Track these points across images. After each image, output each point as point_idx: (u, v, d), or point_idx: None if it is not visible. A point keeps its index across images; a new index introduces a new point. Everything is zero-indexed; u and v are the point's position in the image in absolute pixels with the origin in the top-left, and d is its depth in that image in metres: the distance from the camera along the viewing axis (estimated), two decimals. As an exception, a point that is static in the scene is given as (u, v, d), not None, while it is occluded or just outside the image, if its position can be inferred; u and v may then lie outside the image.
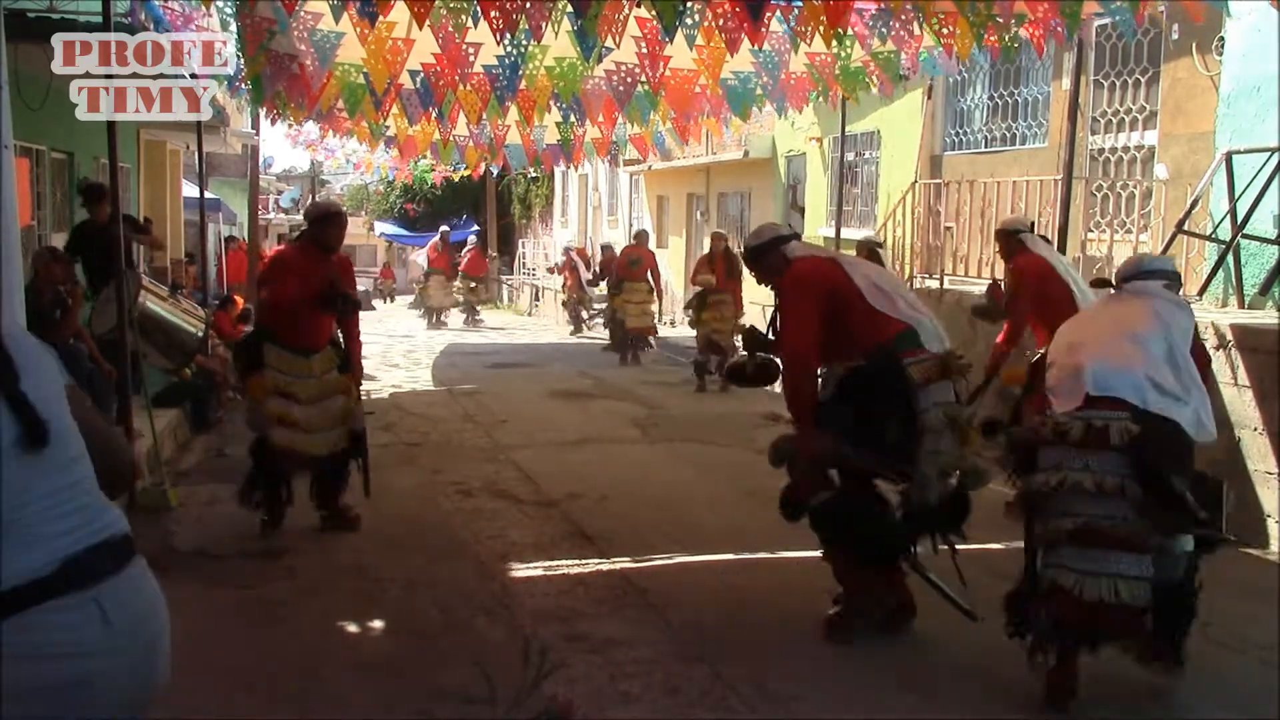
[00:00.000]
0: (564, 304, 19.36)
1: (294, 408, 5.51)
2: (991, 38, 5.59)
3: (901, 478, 4.12)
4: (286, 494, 5.69)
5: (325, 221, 5.65)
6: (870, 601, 4.28)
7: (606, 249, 17.05)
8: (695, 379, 11.62)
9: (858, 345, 4.14)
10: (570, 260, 18.79)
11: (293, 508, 5.74)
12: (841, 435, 4.07)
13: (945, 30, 5.29)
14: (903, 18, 5.24)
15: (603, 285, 16.06)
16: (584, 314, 18.43)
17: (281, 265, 5.84)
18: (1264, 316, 6.76)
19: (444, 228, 22.02)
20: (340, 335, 5.81)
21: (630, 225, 21.31)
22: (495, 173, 14.44)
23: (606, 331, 15.56)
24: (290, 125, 9.09)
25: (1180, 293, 4.10)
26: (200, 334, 7.93)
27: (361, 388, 6.69)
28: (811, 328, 4.17)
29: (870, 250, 9.36)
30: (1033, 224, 6.77)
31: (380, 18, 4.60)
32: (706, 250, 12.53)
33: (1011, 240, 6.33)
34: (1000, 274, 7.34)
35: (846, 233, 11.94)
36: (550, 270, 20.91)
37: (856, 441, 4.05)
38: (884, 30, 5.37)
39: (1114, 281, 4.09)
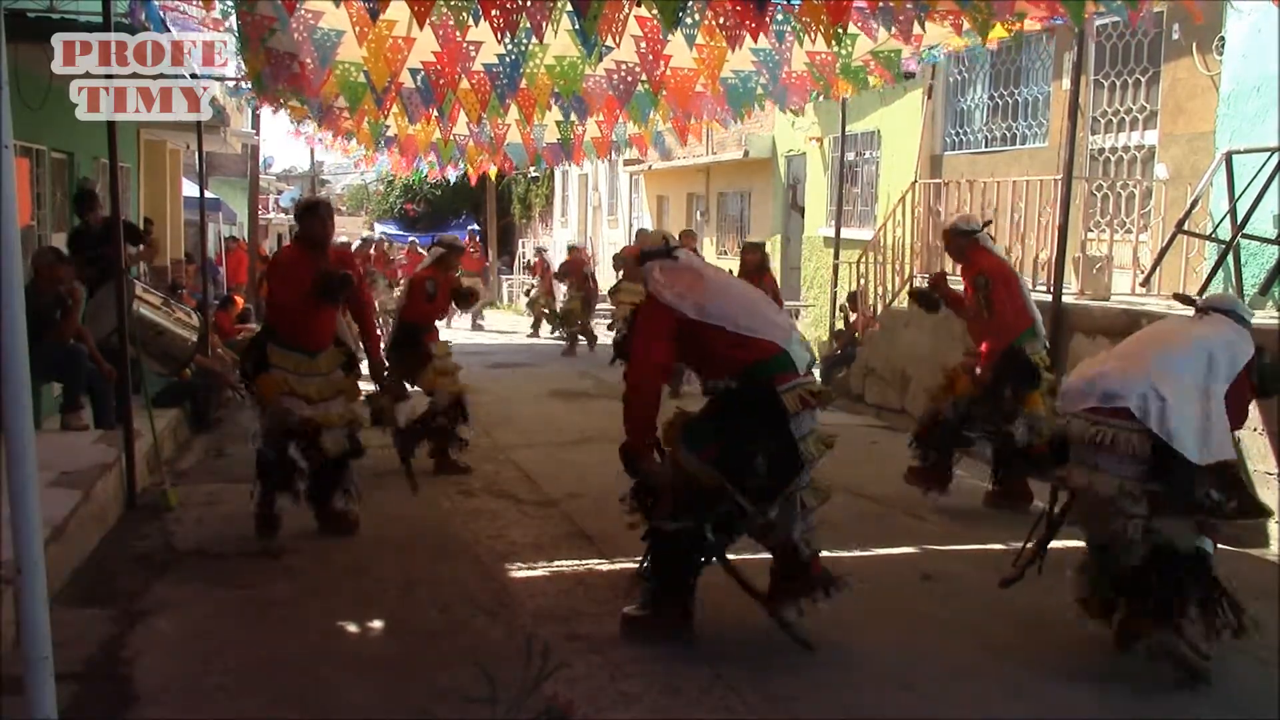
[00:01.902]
0: (529, 304, 19.49)
1: (304, 406, 5.50)
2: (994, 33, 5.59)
3: (753, 504, 4.00)
4: (295, 494, 5.59)
5: (305, 214, 5.68)
6: (676, 622, 4.23)
7: (572, 250, 17.05)
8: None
9: (725, 367, 4.12)
10: (543, 262, 18.97)
11: (295, 508, 5.74)
12: (704, 453, 4.01)
13: (949, 22, 5.30)
14: (902, 17, 5.24)
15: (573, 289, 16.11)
16: (543, 319, 18.33)
17: (277, 265, 5.89)
18: (1264, 316, 6.76)
19: (472, 227, 22.28)
20: (348, 333, 5.84)
21: (630, 225, 21.32)
22: (496, 171, 14.48)
23: (562, 334, 15.77)
24: (291, 118, 9.08)
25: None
26: (193, 342, 7.94)
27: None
28: (659, 351, 4.12)
29: (752, 247, 9.44)
30: (988, 223, 6.75)
31: (380, 14, 4.59)
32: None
33: (964, 240, 6.36)
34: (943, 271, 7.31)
35: (846, 232, 11.95)
36: (527, 270, 20.90)
37: (722, 463, 3.97)
38: (885, 27, 5.37)
39: (1200, 304, 4.40)
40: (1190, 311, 4.50)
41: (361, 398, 5.91)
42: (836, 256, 10.82)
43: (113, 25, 5.52)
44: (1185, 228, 7.60)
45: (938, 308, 6.87)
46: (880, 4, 5.08)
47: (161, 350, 7.63)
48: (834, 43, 5.09)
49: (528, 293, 19.14)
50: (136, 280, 8.20)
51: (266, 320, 5.85)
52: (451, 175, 13.04)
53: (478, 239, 21.13)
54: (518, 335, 18.94)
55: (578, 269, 15.89)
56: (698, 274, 4.28)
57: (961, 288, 6.52)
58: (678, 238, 12.37)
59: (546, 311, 17.79)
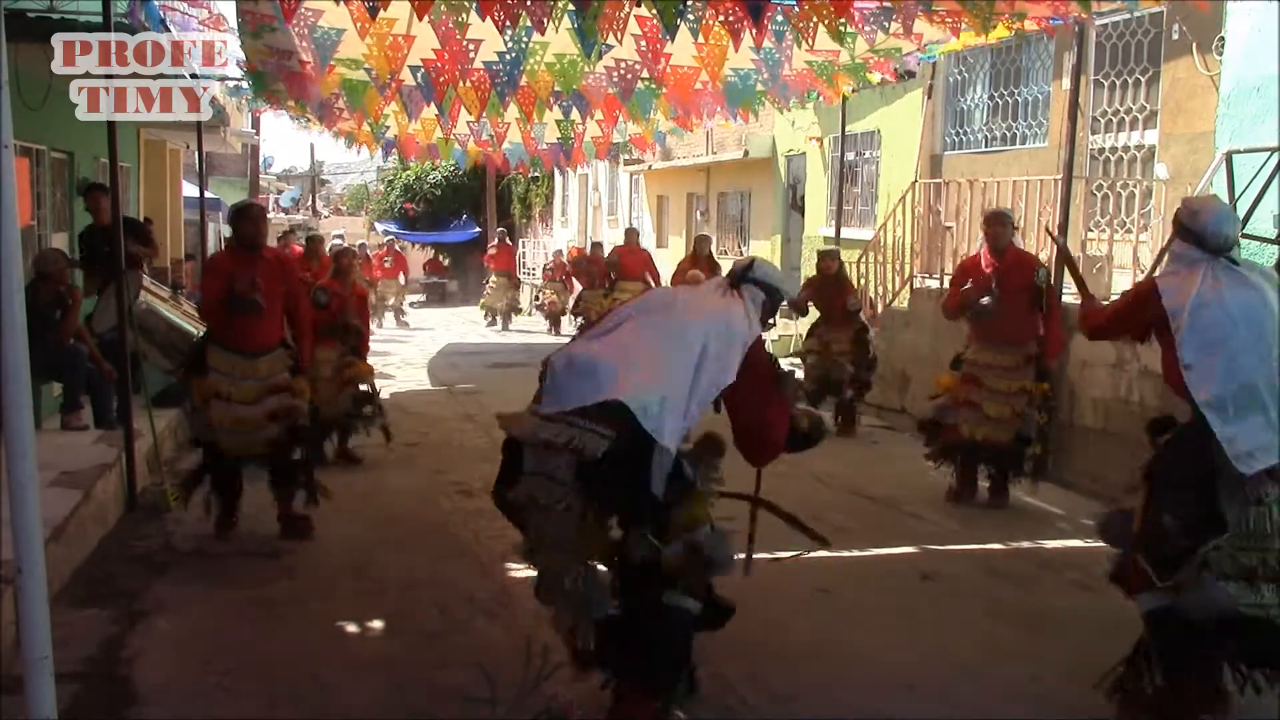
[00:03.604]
0: (539, 306, 19.45)
1: (234, 409, 5.47)
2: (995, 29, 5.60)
3: None
4: (236, 491, 5.67)
5: (237, 217, 5.70)
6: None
7: (596, 247, 17.05)
8: None
9: None
10: (560, 261, 18.95)
11: (242, 507, 5.72)
12: None
13: (948, 22, 5.30)
14: (903, 14, 5.24)
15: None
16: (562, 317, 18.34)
17: (211, 266, 5.93)
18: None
19: (500, 229, 22.41)
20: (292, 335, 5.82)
21: (630, 225, 21.33)
22: (498, 171, 14.53)
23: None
24: (291, 116, 9.08)
25: None
26: (200, 335, 7.93)
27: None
28: None
29: (828, 254, 9.36)
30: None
31: (380, 11, 4.59)
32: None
33: (1011, 230, 6.50)
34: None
35: (846, 232, 11.96)
36: (546, 275, 20.70)
37: None
38: (885, 25, 5.37)
39: (1210, 240, 3.56)
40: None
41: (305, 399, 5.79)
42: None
43: (113, 25, 5.51)
44: (1185, 227, 7.59)
45: (989, 314, 6.44)
46: (881, 2, 5.08)
47: (168, 342, 7.63)
48: (835, 40, 5.08)
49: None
50: (144, 274, 8.19)
51: (209, 322, 5.83)
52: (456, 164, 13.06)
53: (506, 239, 21.25)
54: (518, 335, 18.93)
55: (600, 267, 15.75)
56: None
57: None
58: (694, 243, 12.00)
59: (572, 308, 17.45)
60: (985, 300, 6.40)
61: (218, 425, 5.47)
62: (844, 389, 8.92)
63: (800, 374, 9.18)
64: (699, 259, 11.82)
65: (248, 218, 5.67)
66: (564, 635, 3.51)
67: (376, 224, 31.69)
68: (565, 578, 3.27)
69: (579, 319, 16.39)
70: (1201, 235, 3.58)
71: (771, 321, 3.65)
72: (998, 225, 6.50)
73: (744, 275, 3.60)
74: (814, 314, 9.42)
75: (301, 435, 5.71)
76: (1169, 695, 3.43)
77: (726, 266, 13.54)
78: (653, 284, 14.34)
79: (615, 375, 3.23)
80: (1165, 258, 3.68)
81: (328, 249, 9.84)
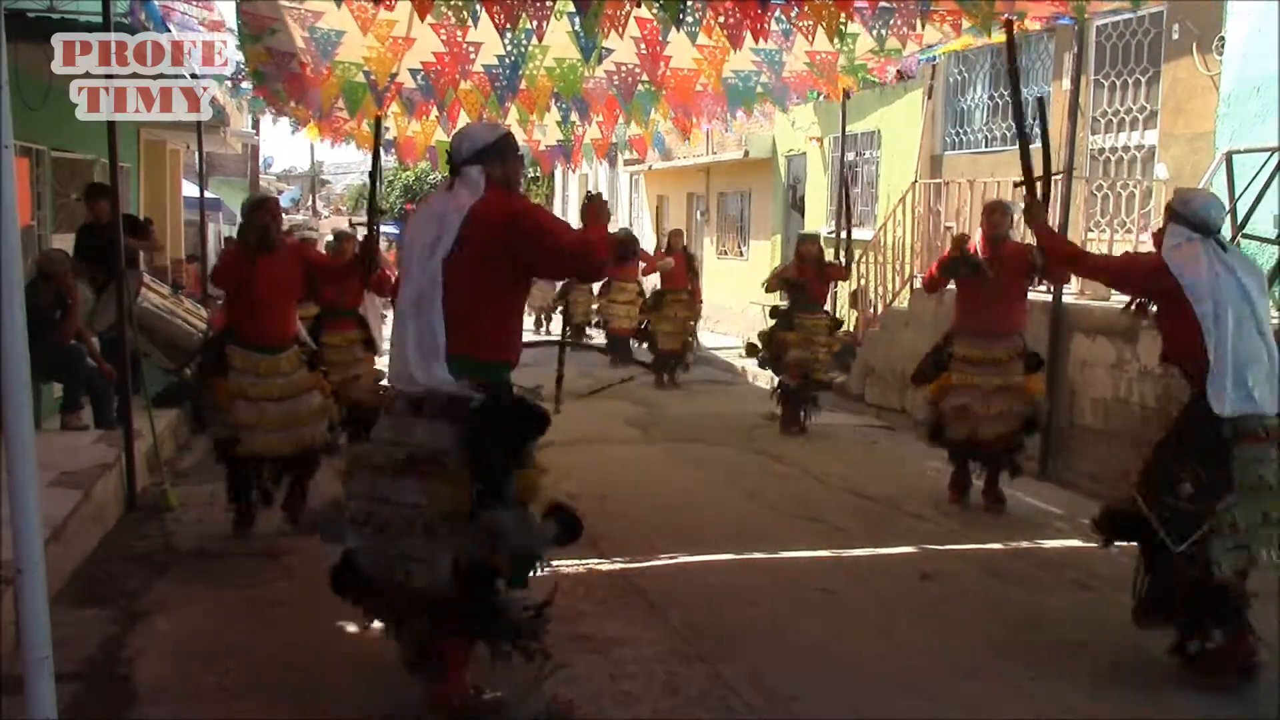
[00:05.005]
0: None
1: (263, 408, 5.47)
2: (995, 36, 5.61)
3: None
4: (260, 495, 5.67)
5: (254, 210, 5.71)
6: None
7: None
8: (666, 375, 11.84)
9: None
10: None
11: (268, 508, 5.73)
12: None
13: (949, 23, 5.31)
14: (904, 15, 5.24)
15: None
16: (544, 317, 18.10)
17: (225, 258, 5.99)
18: (1264, 316, 6.75)
19: None
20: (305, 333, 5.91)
21: (630, 225, 21.31)
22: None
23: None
24: (292, 121, 9.08)
25: None
26: (200, 335, 7.93)
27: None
28: None
29: (809, 239, 9.39)
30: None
31: (379, 8, 4.60)
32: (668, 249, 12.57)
33: (1010, 221, 6.54)
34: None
35: (846, 232, 11.97)
36: None
37: None
38: (884, 29, 5.37)
39: (1203, 227, 3.95)
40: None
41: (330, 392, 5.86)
42: (837, 256, 10.81)
43: (113, 25, 5.51)
44: (1185, 227, 7.58)
45: (977, 269, 6.39)
46: (880, 3, 5.09)
47: (169, 341, 7.64)
48: (835, 40, 5.09)
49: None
50: (143, 273, 8.21)
51: (226, 319, 5.85)
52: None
53: None
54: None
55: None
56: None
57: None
58: (669, 237, 12.06)
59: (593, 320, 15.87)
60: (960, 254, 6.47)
61: (242, 426, 5.45)
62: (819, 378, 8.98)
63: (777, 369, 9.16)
64: (674, 252, 11.89)
65: (264, 209, 5.69)
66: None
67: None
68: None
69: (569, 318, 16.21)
70: (1194, 220, 3.96)
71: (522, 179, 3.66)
72: (998, 214, 6.49)
73: (454, 163, 3.59)
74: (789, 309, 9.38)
75: (333, 433, 5.74)
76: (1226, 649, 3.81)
77: (727, 266, 13.60)
78: (641, 285, 14.31)
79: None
80: (1163, 243, 4.06)
81: (325, 242, 9.81)
